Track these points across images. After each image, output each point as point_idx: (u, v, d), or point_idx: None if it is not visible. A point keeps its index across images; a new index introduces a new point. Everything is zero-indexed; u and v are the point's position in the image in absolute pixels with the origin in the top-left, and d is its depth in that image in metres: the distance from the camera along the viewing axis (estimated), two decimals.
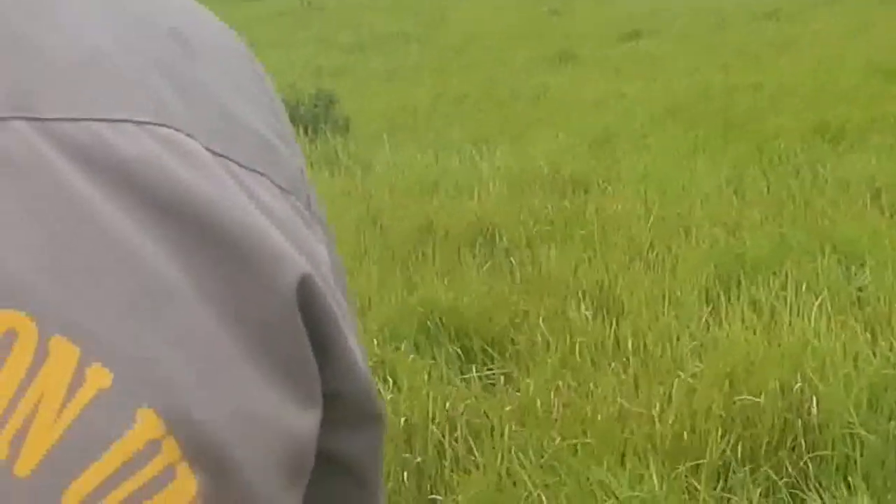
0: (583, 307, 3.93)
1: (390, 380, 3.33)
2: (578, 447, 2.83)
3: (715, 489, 2.80)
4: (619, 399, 3.14)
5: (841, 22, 10.80)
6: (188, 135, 0.38)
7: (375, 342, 3.59)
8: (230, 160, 0.39)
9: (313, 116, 7.39)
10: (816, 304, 3.67)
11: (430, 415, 2.97)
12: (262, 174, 0.40)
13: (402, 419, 2.94)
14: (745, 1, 12.27)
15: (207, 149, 0.39)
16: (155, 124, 0.38)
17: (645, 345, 3.61)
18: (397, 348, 3.61)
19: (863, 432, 2.87)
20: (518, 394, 3.27)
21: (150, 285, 0.36)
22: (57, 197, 0.35)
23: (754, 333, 3.54)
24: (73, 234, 0.35)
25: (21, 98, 0.36)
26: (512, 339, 3.72)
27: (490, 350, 3.69)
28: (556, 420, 2.97)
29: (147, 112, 0.38)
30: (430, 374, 3.42)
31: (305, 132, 7.10)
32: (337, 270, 0.43)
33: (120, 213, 0.36)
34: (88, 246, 0.35)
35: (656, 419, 3.02)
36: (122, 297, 0.35)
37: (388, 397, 3.17)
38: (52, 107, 0.36)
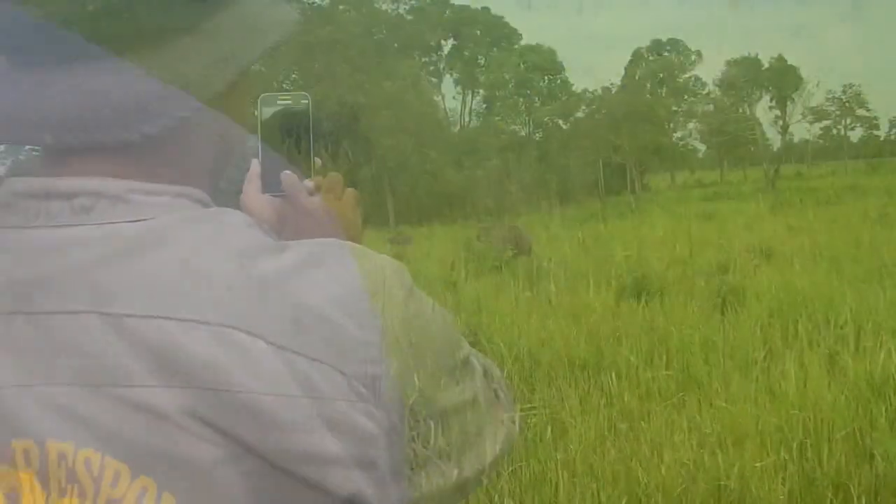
0: (628, 347, 3.73)
1: None
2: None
3: None
4: (676, 448, 2.92)
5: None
6: (250, 332, 0.46)
7: None
8: (295, 353, 0.47)
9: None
10: (882, 347, 3.45)
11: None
12: (323, 363, 0.47)
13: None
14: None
15: (272, 343, 0.46)
16: (220, 325, 0.45)
17: (698, 387, 3.39)
18: None
19: None
20: (562, 444, 3.05)
21: (207, 486, 0.45)
22: (113, 383, 0.44)
23: (817, 377, 3.32)
24: (133, 431, 0.44)
25: (103, 298, 0.44)
26: (553, 379, 3.53)
27: (530, 387, 3.49)
28: (609, 470, 2.75)
29: (216, 313, 0.45)
30: None
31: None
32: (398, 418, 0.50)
33: (174, 406, 0.44)
34: (147, 441, 0.45)
35: (718, 469, 2.80)
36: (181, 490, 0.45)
37: None
38: (128, 306, 0.44)
